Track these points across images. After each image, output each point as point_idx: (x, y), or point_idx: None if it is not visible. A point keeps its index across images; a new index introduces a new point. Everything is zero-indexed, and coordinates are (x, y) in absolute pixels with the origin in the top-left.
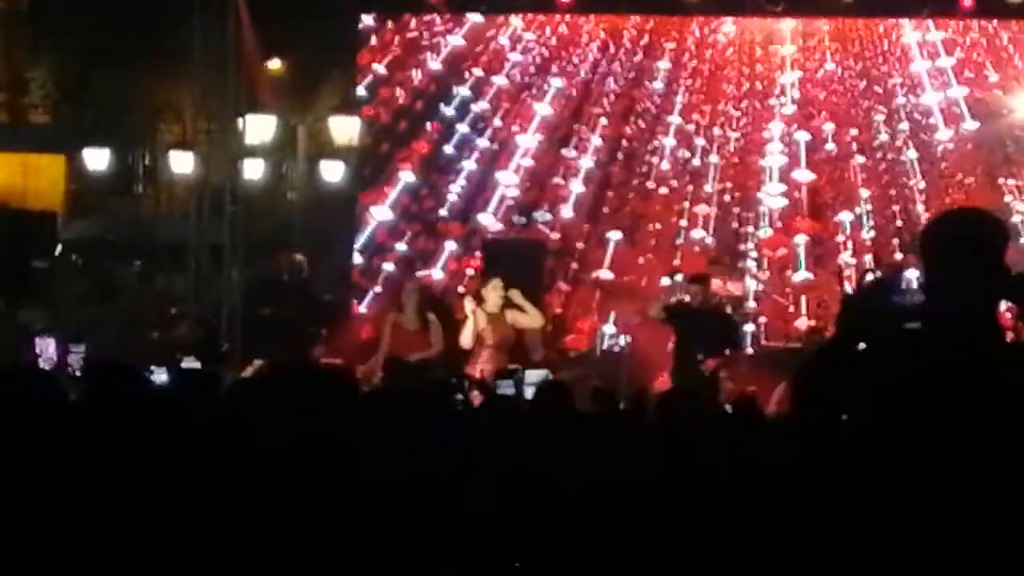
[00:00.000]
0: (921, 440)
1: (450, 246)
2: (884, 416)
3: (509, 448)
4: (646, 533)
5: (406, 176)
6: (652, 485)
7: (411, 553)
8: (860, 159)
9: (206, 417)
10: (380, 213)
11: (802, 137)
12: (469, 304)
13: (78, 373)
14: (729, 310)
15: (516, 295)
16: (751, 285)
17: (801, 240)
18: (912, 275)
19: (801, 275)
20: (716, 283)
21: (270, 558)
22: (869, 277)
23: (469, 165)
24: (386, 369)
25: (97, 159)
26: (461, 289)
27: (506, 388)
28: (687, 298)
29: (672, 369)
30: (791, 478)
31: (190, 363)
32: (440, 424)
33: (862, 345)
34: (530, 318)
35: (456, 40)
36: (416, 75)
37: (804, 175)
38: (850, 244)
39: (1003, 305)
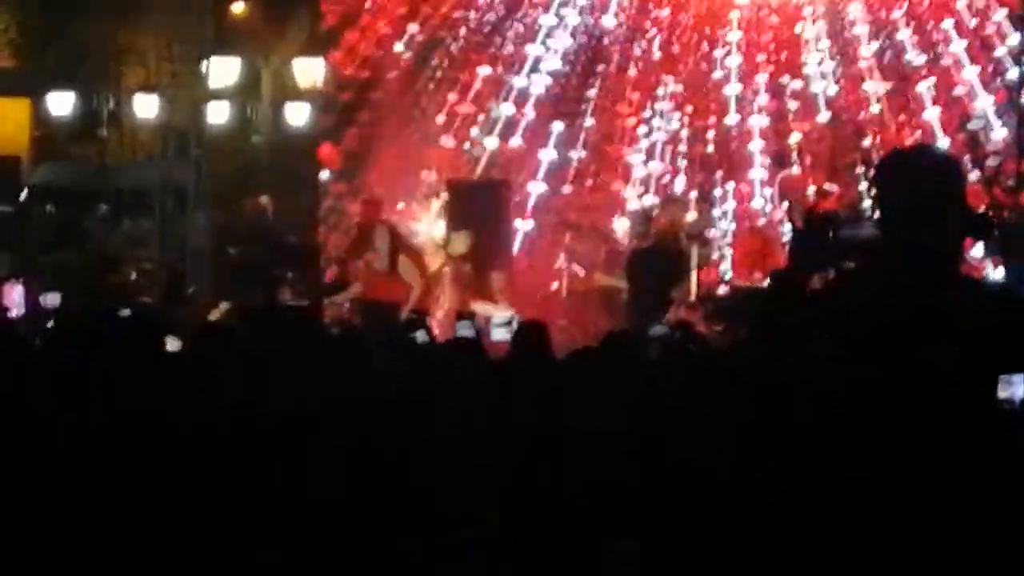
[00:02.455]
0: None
1: None
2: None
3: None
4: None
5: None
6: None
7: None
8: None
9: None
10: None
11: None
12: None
13: (50, 322)
14: (684, 243)
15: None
16: (716, 217)
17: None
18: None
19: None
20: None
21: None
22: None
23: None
24: (357, 310)
25: (61, 103)
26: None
27: (464, 330)
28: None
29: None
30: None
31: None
32: (407, 366)
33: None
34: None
35: None
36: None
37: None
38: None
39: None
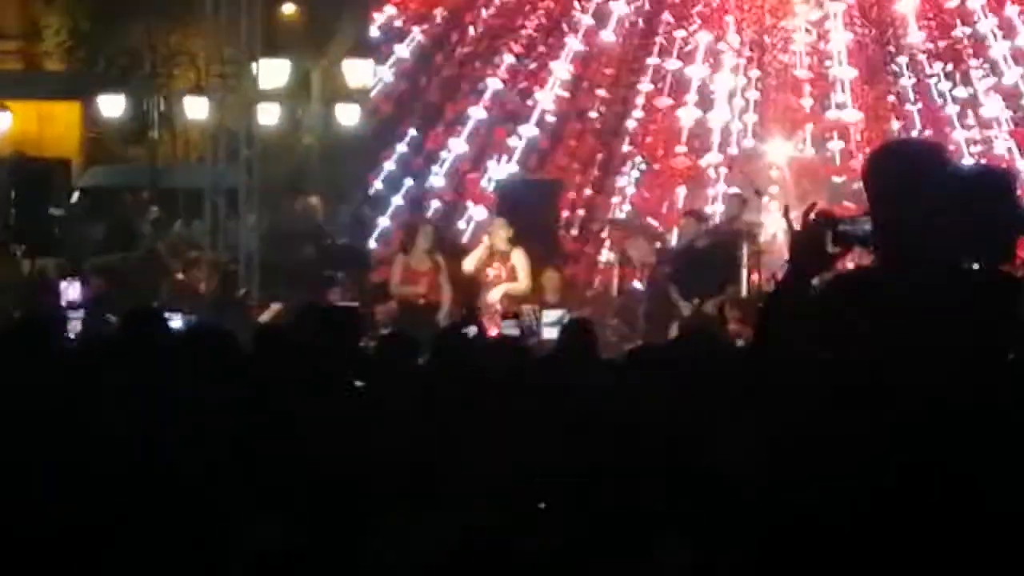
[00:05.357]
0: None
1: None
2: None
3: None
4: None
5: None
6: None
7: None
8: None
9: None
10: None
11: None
12: (485, 238)
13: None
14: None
15: (519, 255)
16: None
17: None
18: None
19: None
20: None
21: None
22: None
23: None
24: (397, 312)
25: (112, 106)
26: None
27: (510, 329)
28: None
29: (654, 308)
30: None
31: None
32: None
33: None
34: (519, 283)
35: None
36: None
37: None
38: None
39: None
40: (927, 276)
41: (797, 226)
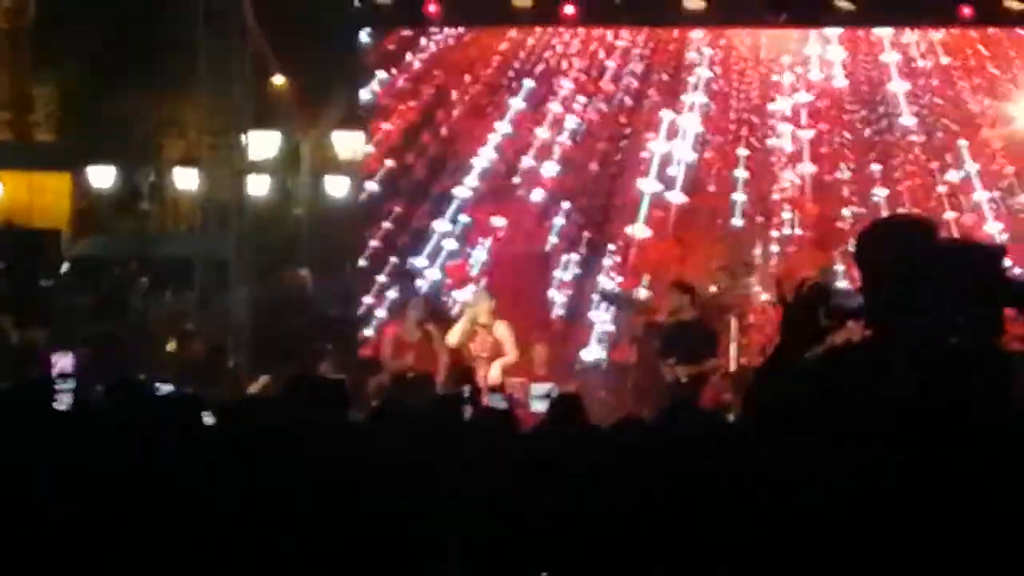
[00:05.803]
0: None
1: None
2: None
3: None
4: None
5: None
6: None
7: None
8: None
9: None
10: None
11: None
12: (467, 311)
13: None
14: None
15: (502, 328)
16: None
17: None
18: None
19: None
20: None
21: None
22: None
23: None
24: (390, 384)
25: (102, 176)
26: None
27: (497, 402)
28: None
29: (642, 381)
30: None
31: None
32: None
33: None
34: (508, 356)
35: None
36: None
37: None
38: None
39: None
40: (918, 351)
41: (789, 299)
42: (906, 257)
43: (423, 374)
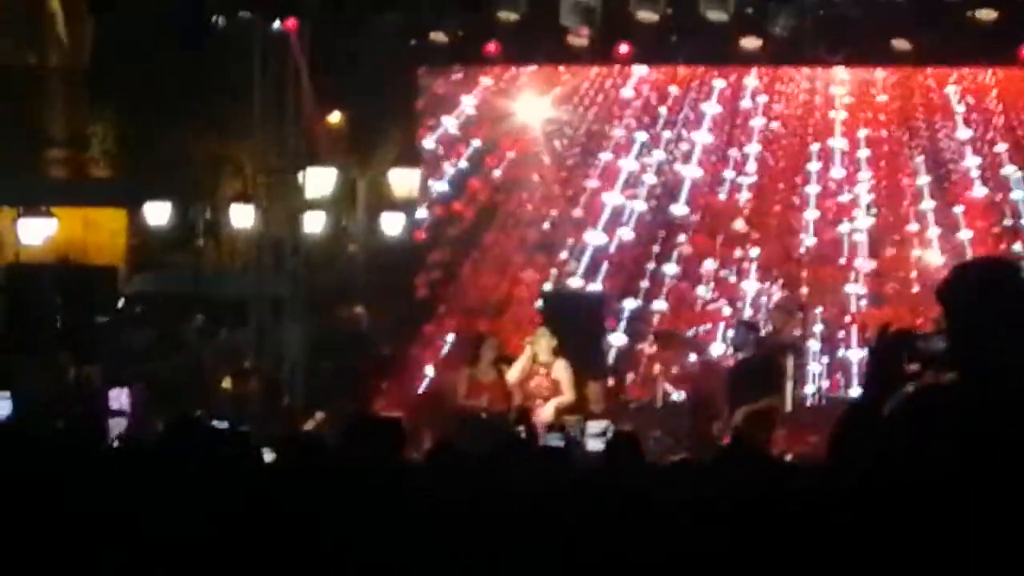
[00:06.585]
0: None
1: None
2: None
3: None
4: None
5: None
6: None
7: None
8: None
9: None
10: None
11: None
12: (527, 348)
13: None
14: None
15: (560, 367)
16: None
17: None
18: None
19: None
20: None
21: None
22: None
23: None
24: (460, 423)
25: (158, 213)
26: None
27: (554, 441)
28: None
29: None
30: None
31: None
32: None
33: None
34: (565, 396)
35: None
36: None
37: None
38: None
39: None
40: (1005, 392)
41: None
42: (991, 297)
43: (495, 415)
